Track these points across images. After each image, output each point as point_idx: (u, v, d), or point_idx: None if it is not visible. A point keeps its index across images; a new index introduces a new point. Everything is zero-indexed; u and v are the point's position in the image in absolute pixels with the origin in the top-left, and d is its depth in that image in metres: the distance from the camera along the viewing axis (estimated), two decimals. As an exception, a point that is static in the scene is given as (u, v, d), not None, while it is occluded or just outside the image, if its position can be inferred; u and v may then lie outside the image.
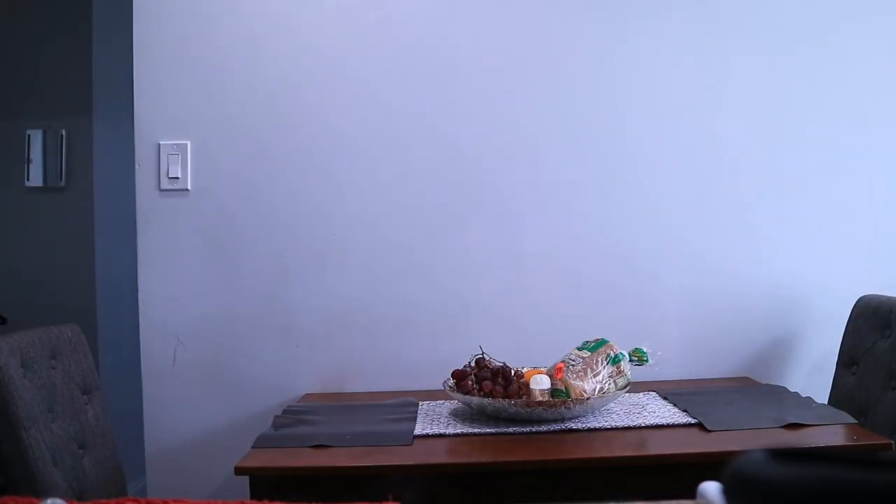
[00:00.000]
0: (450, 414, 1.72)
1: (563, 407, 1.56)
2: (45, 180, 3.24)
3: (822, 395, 1.89)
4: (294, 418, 1.73)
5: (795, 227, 2.14)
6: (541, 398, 1.61)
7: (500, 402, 1.58)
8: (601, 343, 1.69)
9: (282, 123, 2.13)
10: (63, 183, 3.24)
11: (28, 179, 3.24)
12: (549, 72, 2.14)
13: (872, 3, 2.15)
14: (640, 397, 1.81)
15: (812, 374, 2.12)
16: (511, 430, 1.56)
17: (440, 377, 1.74)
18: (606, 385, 1.63)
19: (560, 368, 1.65)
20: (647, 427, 1.57)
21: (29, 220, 3.25)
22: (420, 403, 1.83)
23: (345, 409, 1.81)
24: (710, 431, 1.52)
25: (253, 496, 1.41)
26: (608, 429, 1.56)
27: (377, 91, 2.14)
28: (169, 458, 2.10)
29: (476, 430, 1.57)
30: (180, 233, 2.12)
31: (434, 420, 1.67)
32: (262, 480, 1.41)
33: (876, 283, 1.98)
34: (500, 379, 1.66)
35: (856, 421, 1.58)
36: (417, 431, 1.57)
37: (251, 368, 2.11)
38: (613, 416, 1.64)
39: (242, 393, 2.11)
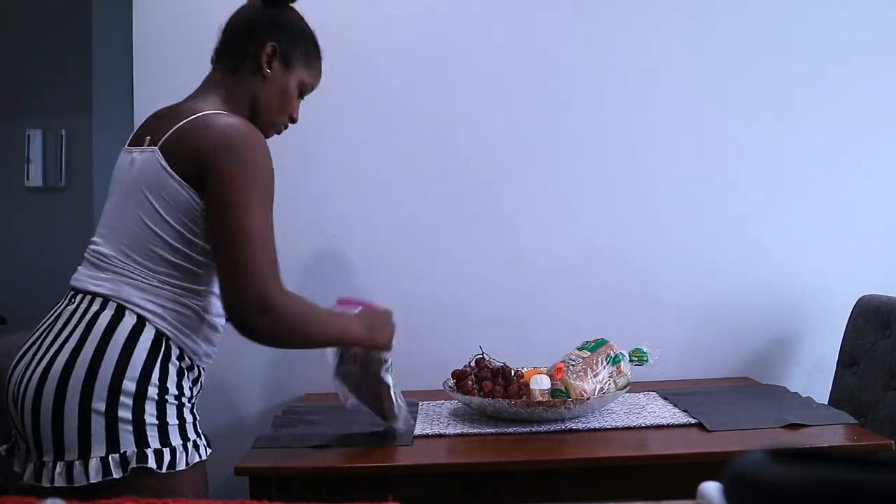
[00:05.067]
0: (450, 414, 1.72)
1: (563, 407, 1.56)
2: (44, 180, 3.24)
3: (822, 395, 1.89)
4: (294, 418, 1.73)
5: (795, 227, 2.14)
6: (541, 398, 1.61)
7: (500, 402, 1.58)
8: (601, 343, 1.69)
9: (282, 123, 2.13)
10: (63, 183, 3.24)
11: (28, 180, 3.24)
12: (550, 73, 2.14)
13: (872, 2, 2.15)
14: (640, 397, 1.81)
15: (812, 374, 2.12)
16: (511, 430, 1.56)
17: (440, 377, 1.74)
18: (606, 385, 1.63)
19: (560, 368, 1.65)
20: (647, 427, 1.57)
21: (29, 220, 3.24)
22: (420, 403, 1.83)
23: (345, 409, 1.81)
24: (710, 431, 1.52)
25: (253, 496, 1.41)
26: (608, 429, 1.56)
27: (377, 91, 2.14)
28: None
29: (476, 430, 1.57)
30: (180, 233, 2.12)
31: (434, 420, 1.67)
32: (262, 480, 1.42)
33: (876, 283, 1.98)
34: (500, 379, 1.66)
35: (856, 421, 1.58)
36: (417, 431, 1.57)
37: (251, 368, 2.11)
38: (613, 416, 1.64)
39: (242, 393, 2.11)
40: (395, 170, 2.14)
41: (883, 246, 2.14)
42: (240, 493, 1.55)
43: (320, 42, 1.48)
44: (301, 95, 1.46)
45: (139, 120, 2.14)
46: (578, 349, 1.70)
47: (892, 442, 1.43)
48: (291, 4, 1.45)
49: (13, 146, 3.23)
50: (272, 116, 1.42)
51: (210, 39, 2.14)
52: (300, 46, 1.42)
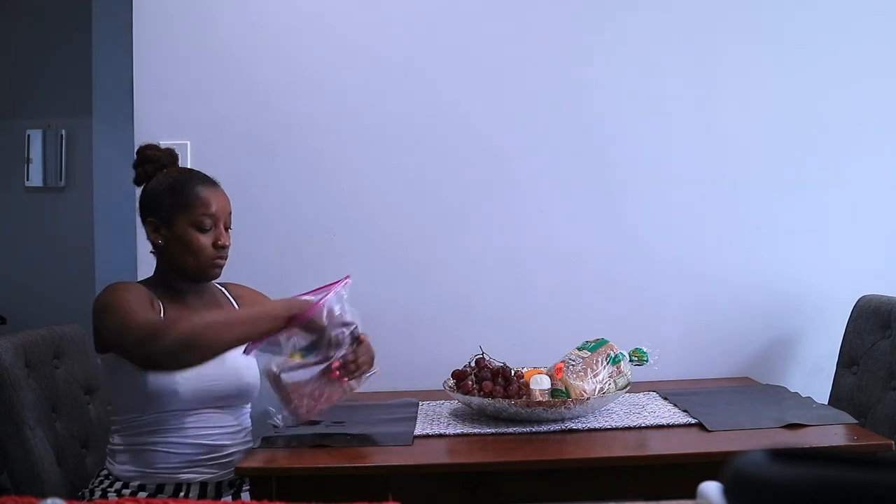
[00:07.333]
0: (450, 414, 1.72)
1: (563, 407, 1.56)
2: (44, 180, 3.25)
3: (822, 395, 1.89)
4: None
5: (795, 227, 2.14)
6: (541, 398, 1.61)
7: (501, 403, 1.58)
8: (601, 343, 1.69)
9: (281, 123, 2.13)
10: (63, 183, 3.25)
11: (28, 179, 3.25)
12: (548, 72, 2.14)
13: (873, 4, 2.15)
14: (640, 397, 1.81)
15: (812, 374, 2.12)
16: (511, 430, 1.56)
17: (440, 377, 1.74)
18: (606, 385, 1.63)
19: (560, 368, 1.65)
20: (647, 427, 1.57)
21: (29, 220, 3.25)
22: (420, 403, 1.83)
23: (345, 409, 1.81)
24: (710, 431, 1.52)
25: (253, 496, 1.41)
26: (608, 429, 1.56)
27: (376, 91, 2.14)
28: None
29: (476, 430, 1.57)
30: (180, 233, 2.12)
31: (434, 420, 1.67)
32: (262, 480, 1.42)
33: (876, 283, 1.98)
34: (500, 379, 1.66)
35: (856, 421, 1.58)
36: (417, 431, 1.57)
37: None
38: (613, 416, 1.64)
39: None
40: (396, 170, 2.14)
41: (883, 246, 2.14)
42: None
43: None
44: (204, 228, 1.57)
45: (139, 119, 2.15)
46: (578, 349, 1.70)
47: (892, 442, 1.43)
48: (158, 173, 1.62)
49: (13, 146, 3.23)
50: (194, 261, 1.57)
51: (210, 39, 2.15)
52: (169, 202, 1.57)
